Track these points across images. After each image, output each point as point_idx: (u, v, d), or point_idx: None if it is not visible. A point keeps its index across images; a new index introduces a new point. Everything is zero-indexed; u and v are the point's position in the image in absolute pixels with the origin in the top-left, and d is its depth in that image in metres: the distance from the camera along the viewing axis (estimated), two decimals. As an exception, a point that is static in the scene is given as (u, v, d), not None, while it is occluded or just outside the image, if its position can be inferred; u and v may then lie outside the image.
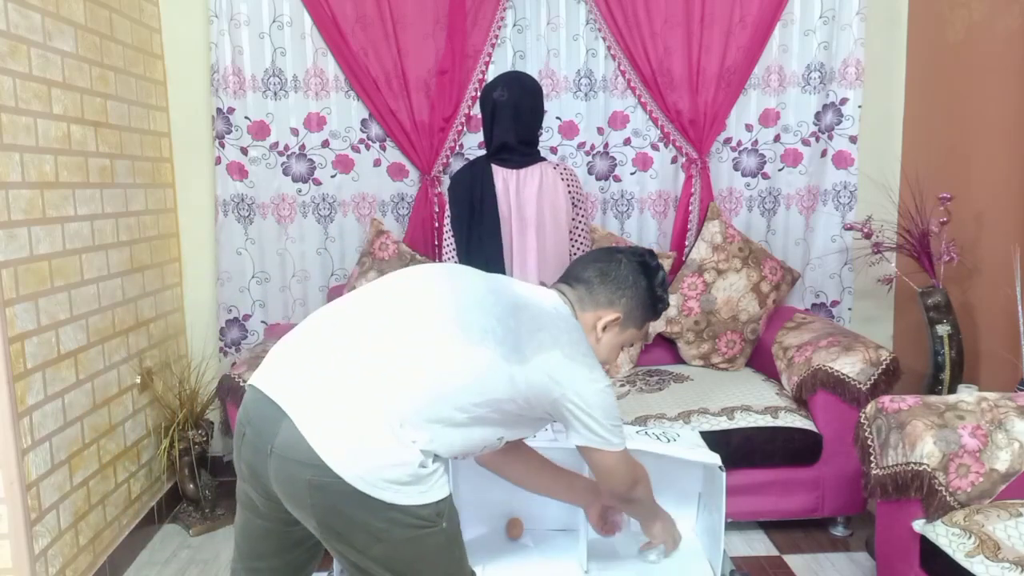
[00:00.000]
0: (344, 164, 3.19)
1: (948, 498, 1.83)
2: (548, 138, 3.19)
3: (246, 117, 3.11)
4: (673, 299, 3.09)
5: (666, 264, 3.08)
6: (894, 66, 3.34)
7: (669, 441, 1.92)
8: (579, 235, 2.50)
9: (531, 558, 1.92)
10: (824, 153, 3.29)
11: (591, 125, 3.24)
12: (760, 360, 3.08)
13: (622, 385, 2.91)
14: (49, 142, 2.24)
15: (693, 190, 3.24)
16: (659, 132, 3.24)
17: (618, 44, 3.14)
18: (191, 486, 2.88)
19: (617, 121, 3.24)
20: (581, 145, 3.24)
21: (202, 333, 3.24)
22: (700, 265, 3.11)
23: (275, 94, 3.11)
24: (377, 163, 3.21)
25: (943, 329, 2.84)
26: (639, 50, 3.12)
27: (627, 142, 3.26)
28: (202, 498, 2.90)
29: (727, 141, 3.28)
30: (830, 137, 3.27)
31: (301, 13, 3.08)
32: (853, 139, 3.26)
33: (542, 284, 1.71)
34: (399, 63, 3.08)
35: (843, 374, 2.56)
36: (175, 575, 2.56)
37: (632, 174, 3.28)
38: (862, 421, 2.05)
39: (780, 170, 3.30)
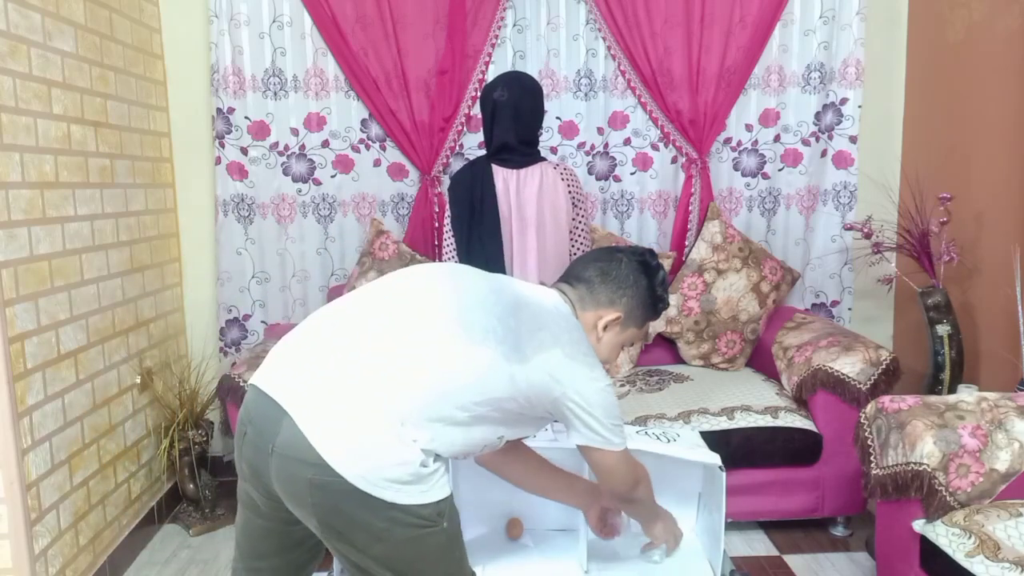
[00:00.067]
0: (344, 164, 3.19)
1: (948, 498, 1.83)
2: (548, 138, 3.19)
3: (246, 117, 3.11)
4: (673, 299, 3.09)
5: (666, 264, 3.07)
6: (894, 66, 3.34)
7: (669, 441, 1.92)
8: (579, 235, 2.50)
9: (531, 558, 1.92)
10: (824, 153, 3.29)
11: (591, 125, 3.24)
12: (760, 360, 3.08)
13: (622, 385, 2.91)
14: (49, 142, 2.24)
15: (693, 190, 3.24)
16: (659, 132, 3.24)
17: (618, 44, 3.14)
18: (191, 486, 2.89)
19: (617, 121, 3.24)
20: (581, 145, 3.24)
21: (202, 333, 3.24)
22: (700, 265, 3.11)
23: (275, 94, 3.11)
24: (377, 163, 3.21)
25: (943, 329, 2.84)
26: (639, 50, 3.12)
27: (627, 142, 3.26)
28: (202, 498, 2.90)
29: (727, 141, 3.28)
30: (830, 137, 3.27)
31: (301, 13, 3.08)
32: (853, 139, 3.26)
33: (542, 284, 1.71)
34: (399, 63, 3.08)
35: (843, 374, 2.56)
36: (175, 575, 2.56)
37: (632, 174, 3.28)
38: (862, 421, 2.05)
39: (780, 170, 3.30)
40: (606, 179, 3.28)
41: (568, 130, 3.23)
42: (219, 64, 3.06)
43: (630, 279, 1.59)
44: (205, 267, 3.24)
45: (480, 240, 2.39)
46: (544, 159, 2.47)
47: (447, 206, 2.49)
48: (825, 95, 3.25)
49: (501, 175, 2.41)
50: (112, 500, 2.54)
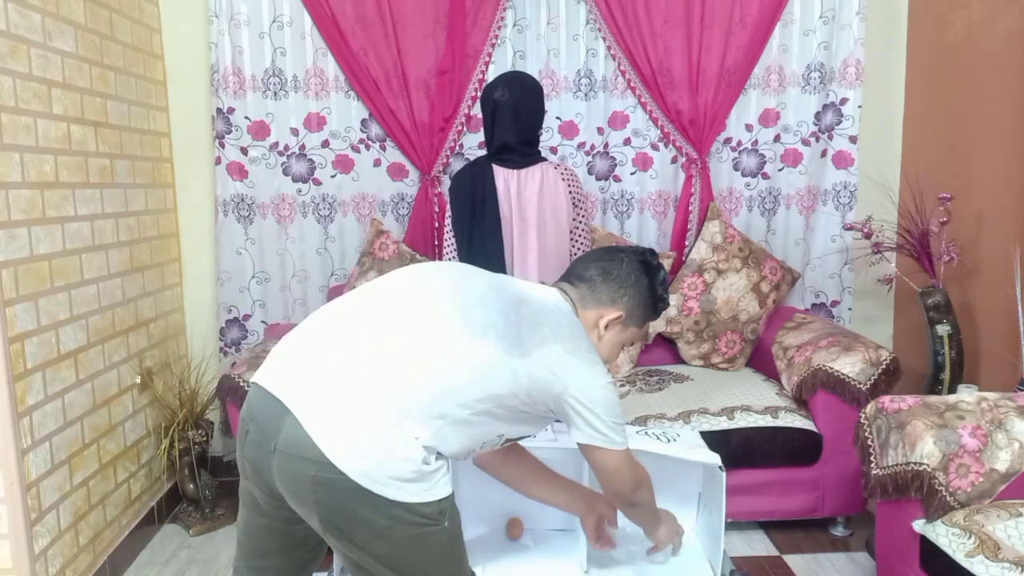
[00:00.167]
0: (344, 164, 3.19)
1: (948, 498, 1.83)
2: (548, 138, 3.19)
3: (246, 117, 3.11)
4: (673, 299, 3.09)
5: (666, 264, 3.07)
6: (894, 66, 3.34)
7: (669, 441, 1.92)
8: (579, 235, 2.50)
9: (531, 558, 1.92)
10: (824, 153, 3.29)
11: (591, 125, 3.24)
12: (760, 360, 3.08)
13: (622, 385, 2.91)
14: (49, 142, 2.24)
15: (693, 190, 3.24)
16: (659, 132, 3.24)
17: (618, 44, 3.14)
18: (191, 486, 2.88)
19: (617, 121, 3.24)
20: (581, 145, 3.24)
21: (202, 333, 3.24)
22: (700, 265, 3.11)
23: (275, 94, 3.11)
24: (377, 163, 3.21)
25: (943, 329, 2.84)
26: (639, 50, 3.12)
27: (627, 142, 3.26)
28: (202, 498, 2.89)
29: (727, 141, 3.28)
30: (830, 137, 3.27)
31: (301, 13, 3.08)
32: (853, 139, 3.27)
33: (543, 283, 1.72)
34: (399, 63, 3.08)
35: (843, 374, 2.56)
36: (175, 575, 2.56)
37: (632, 174, 3.28)
38: (862, 421, 2.05)
39: (780, 170, 3.30)
40: (606, 179, 3.28)
41: (568, 130, 3.23)
42: (219, 64, 3.06)
43: (631, 278, 1.60)
44: (205, 267, 3.24)
45: (481, 240, 2.39)
46: (545, 159, 2.47)
47: (447, 206, 2.49)
48: (825, 95, 3.25)
49: (502, 175, 2.41)
50: (112, 500, 2.54)
